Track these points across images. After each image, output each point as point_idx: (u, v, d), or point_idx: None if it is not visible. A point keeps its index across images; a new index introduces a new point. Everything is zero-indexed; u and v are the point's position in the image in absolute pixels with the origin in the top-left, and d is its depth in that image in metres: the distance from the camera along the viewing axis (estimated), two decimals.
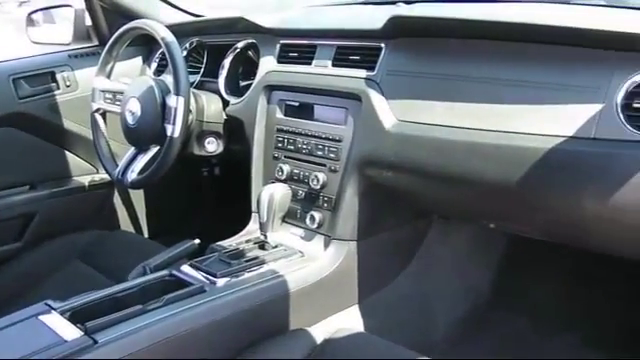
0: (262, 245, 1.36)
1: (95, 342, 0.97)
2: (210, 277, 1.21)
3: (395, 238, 1.50)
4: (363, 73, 1.33)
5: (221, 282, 1.20)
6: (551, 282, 1.72)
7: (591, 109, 1.01)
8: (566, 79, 1.06)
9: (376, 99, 1.29)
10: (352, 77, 1.35)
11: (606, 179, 0.97)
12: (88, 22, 2.00)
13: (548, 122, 1.05)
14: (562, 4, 1.32)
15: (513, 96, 1.11)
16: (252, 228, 1.48)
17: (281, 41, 1.55)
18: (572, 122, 1.02)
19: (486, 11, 1.27)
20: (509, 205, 1.17)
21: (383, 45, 1.32)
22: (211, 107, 1.63)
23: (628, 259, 1.18)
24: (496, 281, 1.78)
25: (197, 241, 1.33)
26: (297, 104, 1.47)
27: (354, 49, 1.38)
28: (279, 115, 1.51)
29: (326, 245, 1.38)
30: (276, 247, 1.36)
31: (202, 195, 2.26)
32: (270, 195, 1.37)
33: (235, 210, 1.61)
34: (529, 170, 1.04)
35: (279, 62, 1.54)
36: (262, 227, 1.37)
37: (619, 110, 0.98)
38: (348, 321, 1.38)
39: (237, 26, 1.68)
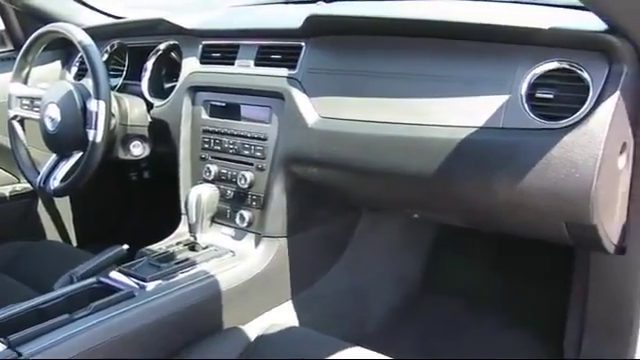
0: (192, 246, 1.36)
1: (19, 355, 0.94)
2: (140, 282, 1.19)
3: (325, 232, 1.53)
4: (285, 72, 1.35)
5: (151, 286, 1.18)
6: (479, 267, 1.79)
7: (499, 100, 1.07)
8: (475, 72, 1.11)
9: (298, 97, 1.31)
10: (274, 76, 1.36)
11: (514, 166, 1.03)
12: (1, 26, 1.92)
13: (460, 114, 1.10)
14: (474, 0, 1.38)
15: (427, 90, 1.15)
16: (182, 230, 1.48)
17: (203, 42, 1.55)
18: (482, 113, 1.08)
19: (401, 9, 1.32)
20: (429, 196, 1.22)
21: (303, 44, 1.35)
22: (134, 110, 1.60)
23: (551, 243, 1.24)
24: (427, 268, 1.84)
25: (125, 246, 1.30)
26: (223, 104, 1.48)
27: (276, 48, 1.40)
28: (204, 116, 1.51)
29: (257, 243, 1.39)
30: (207, 248, 1.36)
31: (132, 200, 2.21)
32: (198, 196, 1.37)
33: (166, 213, 1.59)
34: (443, 161, 1.09)
35: (202, 63, 1.54)
36: (191, 228, 1.37)
37: (524, 100, 1.05)
38: (282, 317, 1.39)
39: (158, 28, 1.66)
